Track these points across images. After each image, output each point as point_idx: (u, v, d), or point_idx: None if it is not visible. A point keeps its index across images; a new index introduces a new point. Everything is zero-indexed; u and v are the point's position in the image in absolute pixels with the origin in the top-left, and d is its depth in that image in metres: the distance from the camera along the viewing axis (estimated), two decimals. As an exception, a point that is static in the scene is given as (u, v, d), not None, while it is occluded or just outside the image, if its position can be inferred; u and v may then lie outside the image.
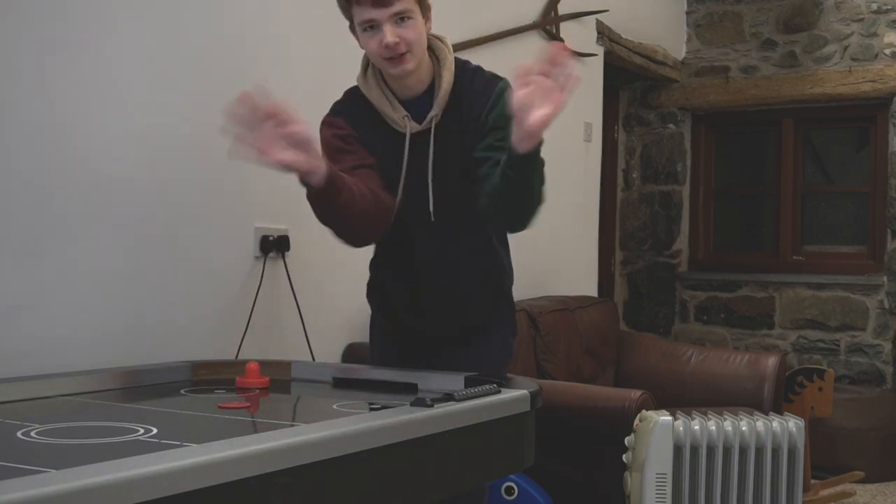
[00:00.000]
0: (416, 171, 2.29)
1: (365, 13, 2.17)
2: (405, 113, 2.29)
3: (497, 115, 2.21)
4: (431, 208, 2.29)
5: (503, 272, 2.48)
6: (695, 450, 2.96)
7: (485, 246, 2.40)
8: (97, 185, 2.59)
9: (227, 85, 2.97)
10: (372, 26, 2.19)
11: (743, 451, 2.98)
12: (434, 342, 2.46)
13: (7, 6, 2.37)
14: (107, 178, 2.61)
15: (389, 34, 2.16)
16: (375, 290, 2.55)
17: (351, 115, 2.34)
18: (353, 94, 2.39)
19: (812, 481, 4.40)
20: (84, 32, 2.55)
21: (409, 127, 2.29)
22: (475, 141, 2.25)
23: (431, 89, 2.31)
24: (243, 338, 2.95)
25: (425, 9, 2.25)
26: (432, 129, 2.29)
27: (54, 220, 2.48)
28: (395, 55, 2.19)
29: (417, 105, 2.30)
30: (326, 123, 2.35)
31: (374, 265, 2.54)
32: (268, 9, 3.11)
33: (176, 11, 2.80)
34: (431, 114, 2.28)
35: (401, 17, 2.17)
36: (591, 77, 5.04)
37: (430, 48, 2.31)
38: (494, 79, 2.33)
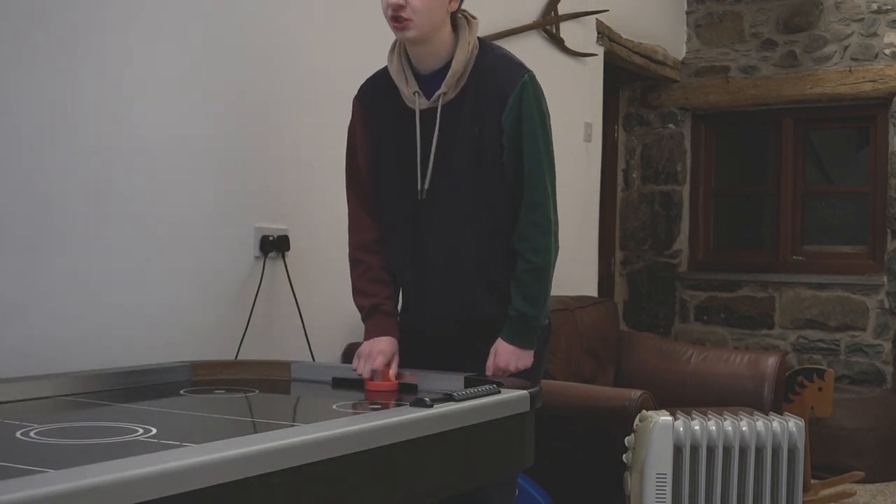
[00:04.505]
0: (424, 149, 2.32)
1: None
2: (416, 89, 2.32)
3: (513, 119, 2.27)
4: (422, 185, 2.32)
5: (501, 265, 2.38)
6: (695, 450, 2.96)
7: (491, 233, 2.34)
8: (97, 186, 2.58)
9: (227, 85, 2.98)
10: None
11: (743, 451, 2.97)
12: (442, 340, 2.40)
13: (9, 8, 2.37)
14: (107, 178, 2.61)
15: None
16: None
17: (372, 93, 2.42)
18: (381, 72, 2.44)
19: (812, 481, 4.40)
20: (86, 34, 2.55)
21: (419, 103, 2.31)
22: (492, 130, 2.27)
23: (447, 66, 2.31)
24: (243, 338, 2.95)
25: None
26: (439, 107, 2.29)
27: (54, 221, 2.48)
28: (397, 16, 2.23)
29: (433, 81, 2.32)
30: (354, 107, 2.47)
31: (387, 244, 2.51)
32: (270, 11, 3.11)
33: (177, 13, 2.80)
34: (439, 92, 2.29)
35: None
36: (591, 77, 5.04)
37: (456, 26, 2.32)
38: (520, 70, 2.32)
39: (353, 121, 2.48)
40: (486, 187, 2.31)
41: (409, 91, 2.32)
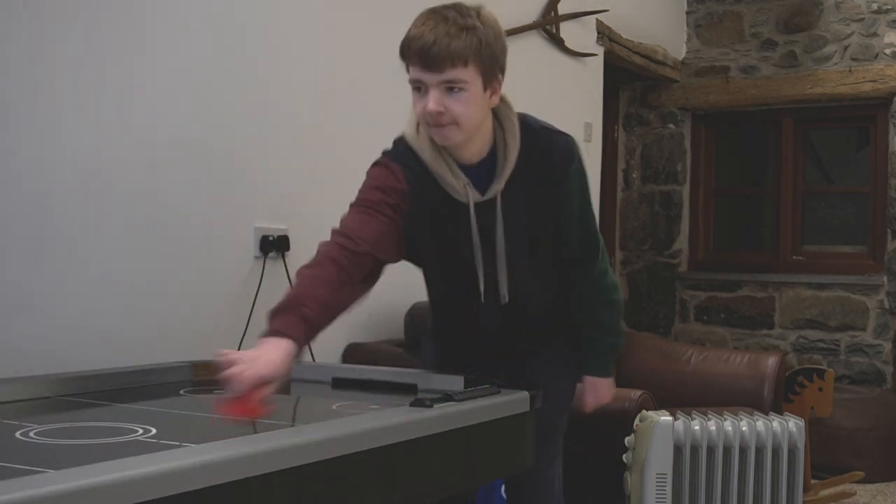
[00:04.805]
0: (486, 247, 2.14)
1: (414, 72, 1.98)
2: (466, 180, 2.09)
3: (569, 194, 2.16)
4: (504, 290, 2.16)
5: (560, 317, 2.36)
6: (695, 450, 2.96)
7: (552, 307, 2.31)
8: (98, 186, 2.59)
9: (227, 85, 2.98)
10: (419, 87, 1.99)
11: (743, 451, 2.97)
12: (492, 354, 2.35)
13: (10, 8, 2.37)
14: (107, 178, 2.61)
15: (433, 102, 1.96)
16: (438, 336, 2.43)
17: (409, 168, 2.10)
18: (404, 149, 2.14)
19: (812, 481, 4.40)
20: (86, 34, 2.55)
21: (472, 196, 2.09)
22: (547, 209, 2.15)
23: (492, 154, 2.11)
24: (243, 338, 2.95)
25: (490, 79, 2.01)
26: (498, 202, 2.10)
27: (54, 221, 2.48)
28: (438, 124, 1.99)
29: (477, 171, 2.10)
30: (384, 165, 2.12)
31: (436, 315, 2.39)
32: (270, 11, 3.11)
33: (178, 14, 2.80)
34: (495, 186, 2.09)
35: (451, 87, 1.96)
36: (591, 77, 5.04)
37: (496, 112, 2.11)
38: (567, 142, 2.15)
39: (388, 185, 2.08)
40: (543, 267, 2.24)
41: (457, 184, 2.08)
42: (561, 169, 2.13)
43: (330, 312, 1.88)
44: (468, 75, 1.95)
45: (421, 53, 1.93)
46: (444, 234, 2.15)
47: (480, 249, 2.13)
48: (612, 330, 2.35)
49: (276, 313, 1.81)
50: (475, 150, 2.09)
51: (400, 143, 2.16)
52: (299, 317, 1.80)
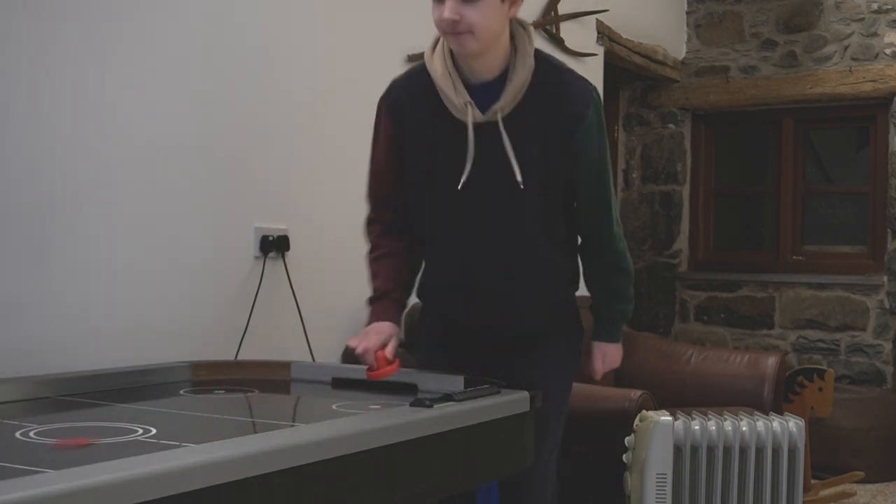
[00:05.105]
0: (474, 166, 2.12)
1: None
2: (468, 99, 2.09)
3: (588, 141, 2.15)
4: (461, 186, 2.13)
5: (563, 279, 2.34)
6: (695, 450, 2.96)
7: (543, 253, 2.24)
8: (97, 186, 2.58)
9: (228, 86, 2.98)
10: None
11: (743, 451, 2.97)
12: (487, 349, 2.34)
13: (10, 7, 2.37)
14: (106, 178, 2.61)
15: (448, 10, 1.99)
16: (426, 288, 2.41)
17: (404, 97, 2.19)
18: (417, 71, 2.21)
19: (812, 481, 4.40)
20: (87, 34, 2.55)
21: (472, 115, 2.10)
22: (558, 150, 2.12)
23: (504, 75, 2.11)
24: (243, 338, 2.95)
25: None
26: (500, 122, 2.09)
27: (54, 221, 2.48)
28: (454, 32, 2.02)
29: (485, 92, 2.10)
30: (379, 109, 2.25)
31: (426, 261, 2.39)
32: (270, 11, 3.10)
33: (178, 13, 2.80)
34: (497, 105, 2.08)
35: None
36: (591, 77, 4.99)
37: (511, 34, 2.12)
38: (588, 86, 2.17)
39: (376, 126, 2.27)
40: (549, 207, 2.19)
41: (459, 101, 2.09)
42: (576, 112, 2.12)
43: (407, 278, 2.29)
44: None
45: None
46: (435, 155, 2.16)
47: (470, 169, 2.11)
48: (624, 297, 2.38)
49: (375, 302, 2.22)
50: (488, 64, 2.10)
51: (400, 76, 2.26)
52: (391, 300, 2.22)
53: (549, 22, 4.61)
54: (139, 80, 2.70)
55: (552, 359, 2.33)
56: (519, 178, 2.10)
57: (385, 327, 2.16)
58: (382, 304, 2.22)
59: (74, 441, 1.68)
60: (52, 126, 2.47)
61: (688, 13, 6.09)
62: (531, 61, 2.11)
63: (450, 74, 2.11)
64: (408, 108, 2.19)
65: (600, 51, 5.09)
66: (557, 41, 4.69)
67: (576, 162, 2.16)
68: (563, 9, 4.68)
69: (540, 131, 2.12)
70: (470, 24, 2.00)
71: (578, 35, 4.84)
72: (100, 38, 2.59)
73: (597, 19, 5.02)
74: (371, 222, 2.32)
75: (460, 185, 2.11)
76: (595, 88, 2.20)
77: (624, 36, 5.32)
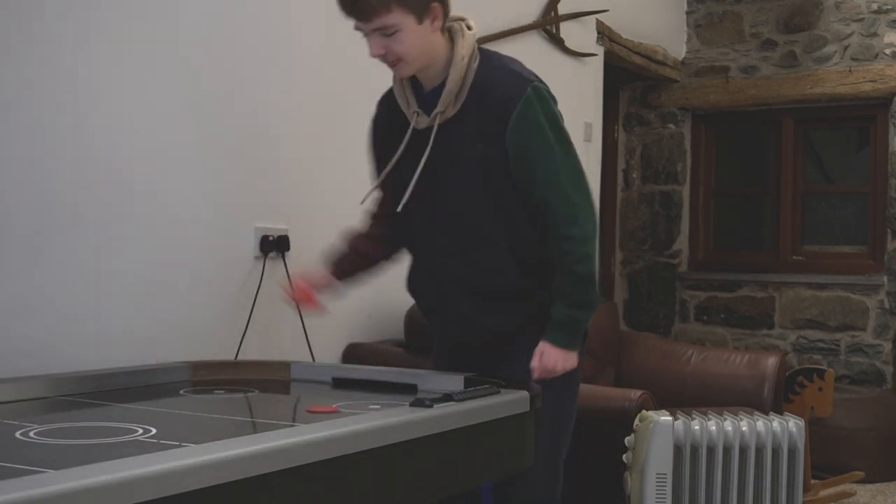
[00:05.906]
0: (427, 167, 2.22)
1: (353, 22, 2.15)
2: (416, 108, 2.23)
3: (518, 138, 2.18)
4: (404, 201, 2.24)
5: (532, 277, 2.30)
6: (695, 450, 2.96)
7: (503, 252, 2.26)
8: (97, 186, 2.59)
9: (227, 85, 2.98)
10: (363, 34, 2.16)
11: (743, 451, 2.97)
12: (471, 349, 2.37)
13: (10, 7, 2.37)
14: (106, 178, 2.61)
15: (373, 46, 2.14)
16: (410, 287, 2.49)
17: (384, 111, 2.36)
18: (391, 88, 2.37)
19: (812, 481, 4.40)
20: (87, 34, 2.55)
21: (416, 122, 2.23)
22: (499, 148, 2.17)
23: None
24: (243, 338, 2.95)
25: (422, 11, 2.12)
26: (435, 127, 2.20)
27: (54, 221, 2.48)
28: (387, 63, 2.18)
29: (434, 98, 2.22)
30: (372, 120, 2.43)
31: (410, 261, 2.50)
32: (270, 11, 3.11)
33: (179, 13, 2.80)
34: (436, 111, 2.20)
35: (385, 32, 2.11)
36: (591, 77, 5.04)
37: (451, 39, 2.22)
38: (521, 82, 2.19)
39: (371, 142, 2.43)
40: (502, 206, 2.22)
41: (408, 111, 2.25)
42: (505, 108, 2.17)
43: (366, 256, 2.48)
44: (396, 18, 2.09)
45: (347, 8, 2.13)
46: (401, 163, 2.27)
47: (410, 174, 2.24)
48: (574, 302, 2.25)
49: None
50: (432, 73, 2.22)
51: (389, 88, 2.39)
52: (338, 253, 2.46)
53: (549, 22, 4.61)
54: (139, 80, 2.70)
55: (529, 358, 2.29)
56: (458, 179, 2.22)
57: (317, 272, 2.44)
58: (331, 255, 2.48)
59: (324, 409, 1.96)
60: (51, 127, 2.47)
61: (688, 13, 6.09)
62: (463, 64, 2.19)
63: (403, 87, 2.26)
64: (385, 121, 2.35)
65: (600, 51, 5.09)
66: (557, 41, 4.69)
67: (510, 157, 2.19)
68: (563, 9, 4.68)
69: (480, 131, 2.19)
70: (396, 54, 2.14)
71: (578, 35, 4.85)
72: (100, 38, 2.59)
73: (597, 19, 5.02)
74: (368, 213, 2.49)
75: (409, 190, 2.24)
76: (533, 82, 2.20)
77: (624, 36, 5.32)
